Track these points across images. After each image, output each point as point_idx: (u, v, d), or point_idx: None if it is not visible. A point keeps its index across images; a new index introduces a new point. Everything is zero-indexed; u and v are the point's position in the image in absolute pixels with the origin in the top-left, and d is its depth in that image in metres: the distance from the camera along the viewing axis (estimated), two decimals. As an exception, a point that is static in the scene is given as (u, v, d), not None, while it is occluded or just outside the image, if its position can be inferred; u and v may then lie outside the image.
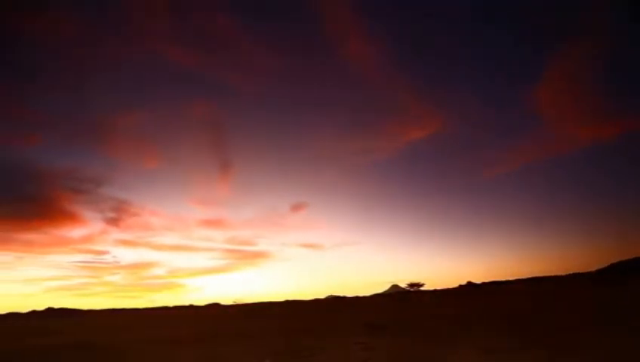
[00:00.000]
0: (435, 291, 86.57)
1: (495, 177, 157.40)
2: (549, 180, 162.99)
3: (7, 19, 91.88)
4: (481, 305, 28.34)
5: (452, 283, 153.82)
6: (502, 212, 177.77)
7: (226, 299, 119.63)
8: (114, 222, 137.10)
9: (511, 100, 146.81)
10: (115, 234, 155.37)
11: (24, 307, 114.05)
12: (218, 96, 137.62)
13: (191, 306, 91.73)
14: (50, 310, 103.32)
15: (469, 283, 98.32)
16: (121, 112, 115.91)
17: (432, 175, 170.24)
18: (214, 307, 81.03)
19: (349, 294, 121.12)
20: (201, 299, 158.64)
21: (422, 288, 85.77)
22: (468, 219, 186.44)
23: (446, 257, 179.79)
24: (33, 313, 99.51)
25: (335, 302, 67.19)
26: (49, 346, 18.03)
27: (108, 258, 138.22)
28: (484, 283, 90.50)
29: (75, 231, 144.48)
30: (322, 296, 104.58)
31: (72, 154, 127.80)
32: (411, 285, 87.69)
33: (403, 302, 43.14)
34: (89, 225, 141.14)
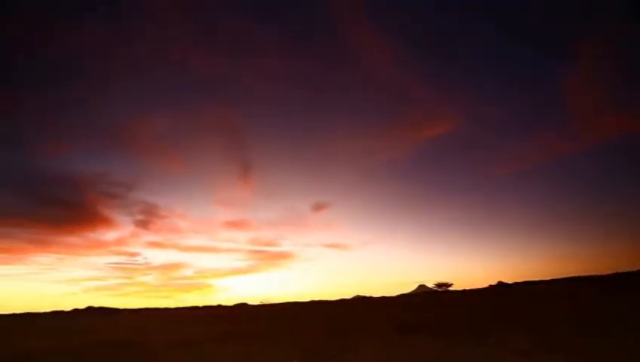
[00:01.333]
0: (464, 291, 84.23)
1: (524, 172, 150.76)
2: (585, 174, 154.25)
3: (34, 28, 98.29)
4: (513, 306, 27.41)
5: (482, 282, 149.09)
6: (535, 208, 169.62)
7: (253, 299, 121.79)
8: (143, 224, 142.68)
9: (531, 92, 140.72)
10: (145, 236, 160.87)
11: (67, 305, 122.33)
12: (236, 99, 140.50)
13: (219, 306, 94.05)
14: (90, 308, 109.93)
15: (500, 283, 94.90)
16: (145, 118, 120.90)
17: (455, 171, 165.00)
18: (242, 307, 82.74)
19: (376, 294, 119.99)
20: (229, 299, 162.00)
21: (450, 288, 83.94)
22: (497, 216, 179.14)
23: (475, 256, 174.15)
24: (75, 311, 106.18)
25: (362, 302, 66.89)
26: (91, 343, 19.19)
27: (139, 259, 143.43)
28: (516, 283, 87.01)
29: (109, 234, 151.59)
30: (348, 296, 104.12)
31: (101, 160, 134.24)
32: (439, 285, 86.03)
33: (431, 302, 42.36)
34: (121, 228, 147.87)
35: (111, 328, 31.43)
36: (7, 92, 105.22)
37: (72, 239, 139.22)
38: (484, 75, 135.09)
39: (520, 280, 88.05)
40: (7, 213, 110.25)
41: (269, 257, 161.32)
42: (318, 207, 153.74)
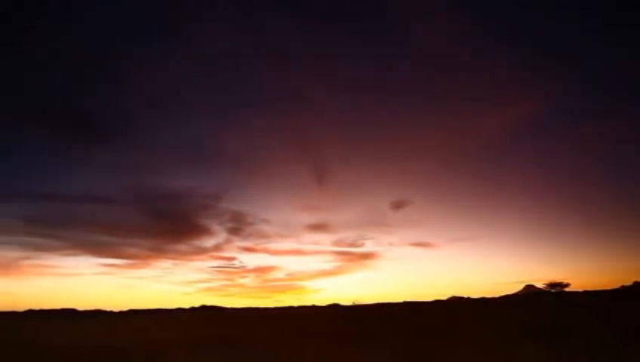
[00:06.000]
0: (585, 292, 72.39)
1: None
2: None
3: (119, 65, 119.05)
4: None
5: (611, 283, 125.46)
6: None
7: (345, 300, 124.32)
8: (235, 231, 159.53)
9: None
10: (238, 241, 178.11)
11: (186, 303, 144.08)
12: (309, 106, 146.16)
13: (313, 306, 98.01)
14: (203, 306, 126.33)
15: (637, 284, 78.90)
16: (226, 134, 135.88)
17: (560, 152, 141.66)
18: (334, 307, 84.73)
19: (474, 295, 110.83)
20: (321, 300, 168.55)
21: (566, 289, 72.53)
22: (628, 203, 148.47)
23: (601, 251, 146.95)
24: (192, 308, 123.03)
25: (458, 304, 62.50)
26: (204, 338, 21.82)
27: (236, 263, 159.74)
28: (659, 283, 71.23)
29: (208, 241, 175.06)
30: (443, 297, 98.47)
31: (195, 175, 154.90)
32: (551, 285, 74.75)
33: (540, 305, 37.38)
34: (217, 236, 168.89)
35: (220, 324, 35.26)
36: (126, 127, 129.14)
37: (182, 247, 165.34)
38: (579, 46, 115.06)
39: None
40: (134, 226, 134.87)
41: (354, 258, 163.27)
42: (398, 205, 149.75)
